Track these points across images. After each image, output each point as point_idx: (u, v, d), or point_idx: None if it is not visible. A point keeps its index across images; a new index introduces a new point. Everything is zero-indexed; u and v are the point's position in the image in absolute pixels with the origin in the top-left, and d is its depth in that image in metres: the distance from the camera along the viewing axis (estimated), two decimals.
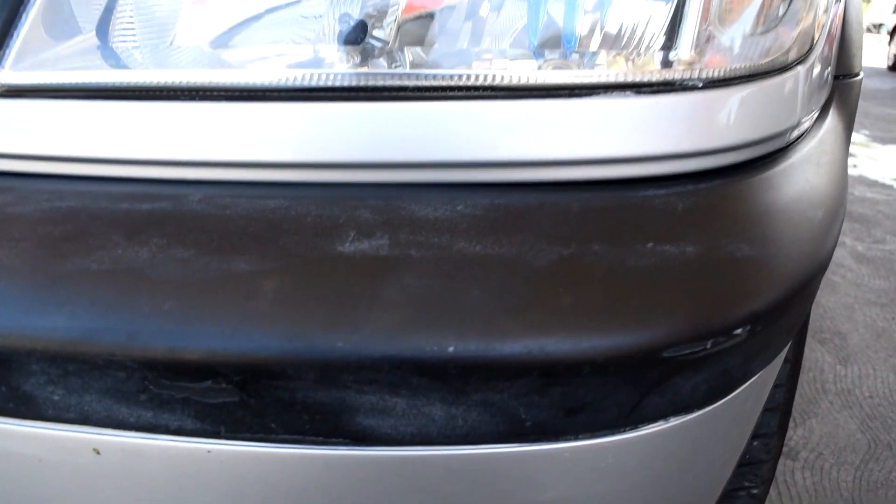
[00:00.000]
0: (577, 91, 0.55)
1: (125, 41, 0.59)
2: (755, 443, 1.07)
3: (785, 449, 1.46)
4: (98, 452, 0.53)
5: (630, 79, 0.56)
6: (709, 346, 0.51)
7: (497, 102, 0.54)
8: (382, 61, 0.58)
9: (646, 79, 0.56)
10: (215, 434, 0.51)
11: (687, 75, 0.57)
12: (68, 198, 0.55)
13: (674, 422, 0.55)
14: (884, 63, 12.08)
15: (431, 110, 0.54)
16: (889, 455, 1.52)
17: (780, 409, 1.06)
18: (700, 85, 0.58)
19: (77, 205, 0.54)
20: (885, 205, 3.42)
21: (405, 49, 0.58)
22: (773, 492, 1.41)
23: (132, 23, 0.59)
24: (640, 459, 0.55)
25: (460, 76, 0.54)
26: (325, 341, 0.47)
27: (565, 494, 0.55)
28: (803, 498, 1.39)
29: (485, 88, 0.55)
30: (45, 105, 0.56)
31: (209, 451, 0.52)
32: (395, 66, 0.57)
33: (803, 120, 0.71)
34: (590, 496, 0.56)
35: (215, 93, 0.54)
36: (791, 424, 1.59)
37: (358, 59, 0.58)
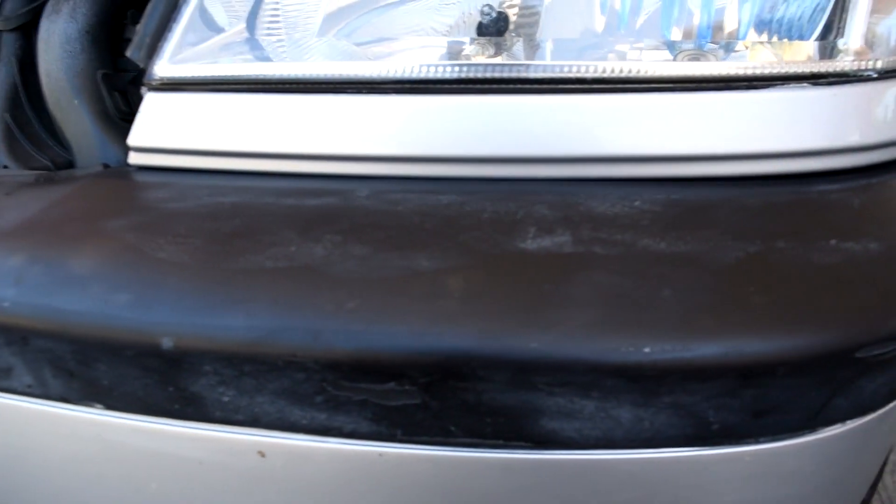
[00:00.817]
0: (753, 83, 0.53)
1: (273, 34, 0.57)
2: None
3: None
4: (263, 455, 0.52)
5: (807, 70, 0.54)
6: None
7: (673, 95, 0.53)
8: (540, 54, 0.56)
9: (822, 69, 0.54)
10: (391, 437, 0.50)
11: (862, 66, 0.55)
12: (230, 193, 0.53)
13: (850, 424, 0.53)
14: None
15: (604, 104, 0.52)
16: None
17: None
18: (875, 76, 0.55)
19: (241, 200, 0.53)
20: None
21: (549, 41, 0.57)
22: None
23: (278, 17, 0.57)
24: (818, 462, 0.54)
25: (633, 69, 0.53)
26: (520, 342, 0.45)
27: (743, 499, 0.53)
28: (895, 501, 1.37)
29: (658, 81, 0.53)
30: (203, 98, 0.54)
31: (381, 455, 0.51)
32: (550, 60, 0.55)
33: None
34: (767, 501, 0.54)
35: (381, 86, 0.53)
36: None
37: (511, 52, 0.56)
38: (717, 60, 0.56)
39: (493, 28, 0.58)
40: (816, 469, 0.54)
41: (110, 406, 0.52)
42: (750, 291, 0.48)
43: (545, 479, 0.51)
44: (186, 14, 0.54)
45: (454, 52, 0.56)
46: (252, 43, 0.56)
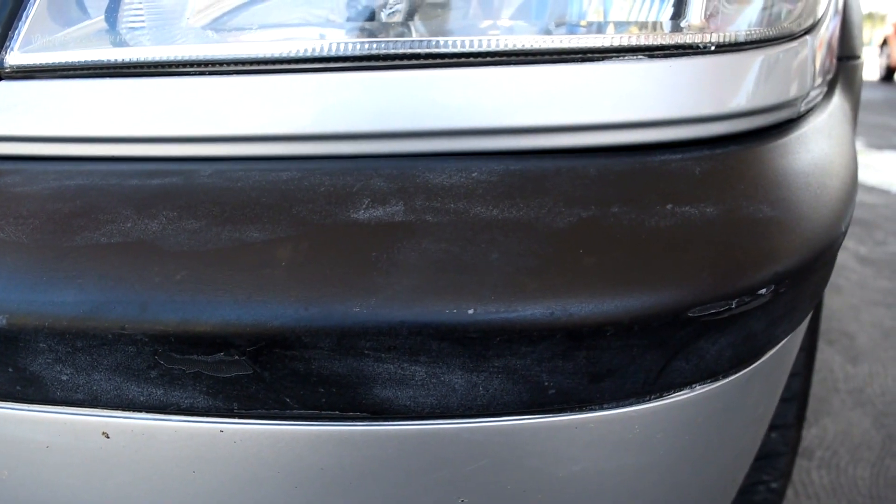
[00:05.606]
0: (589, 55, 0.54)
1: (133, 25, 0.58)
2: (773, 434, 1.05)
3: (800, 448, 1.44)
4: (107, 436, 0.51)
5: (642, 42, 0.55)
6: (734, 305, 0.50)
7: (509, 68, 0.54)
8: (391, 33, 0.57)
9: (657, 42, 0.56)
10: (228, 411, 0.50)
11: (698, 39, 0.57)
12: (77, 176, 0.54)
13: (699, 389, 0.54)
14: (875, 75, 12.20)
15: (443, 78, 0.53)
16: None
17: (796, 400, 1.04)
18: (712, 49, 0.57)
19: (86, 182, 0.53)
20: (885, 208, 3.42)
21: (412, 23, 0.58)
22: (790, 491, 1.38)
23: (140, 9, 0.58)
24: (666, 430, 0.54)
25: (472, 42, 0.54)
26: (343, 307, 0.46)
27: (590, 468, 0.53)
28: (821, 496, 1.37)
29: (496, 54, 0.54)
30: (52, 85, 0.55)
31: (222, 431, 0.50)
32: (404, 36, 0.56)
33: (812, 92, 0.71)
34: (615, 469, 0.54)
35: (223, 66, 0.54)
36: (804, 424, 1.56)
37: (366, 33, 0.58)
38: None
39: (360, 15, 0.59)
40: (667, 437, 0.54)
41: None
42: (579, 254, 0.49)
43: (387, 451, 0.51)
44: (36, 4, 0.55)
45: (313, 39, 0.57)
46: (108, 34, 0.57)
